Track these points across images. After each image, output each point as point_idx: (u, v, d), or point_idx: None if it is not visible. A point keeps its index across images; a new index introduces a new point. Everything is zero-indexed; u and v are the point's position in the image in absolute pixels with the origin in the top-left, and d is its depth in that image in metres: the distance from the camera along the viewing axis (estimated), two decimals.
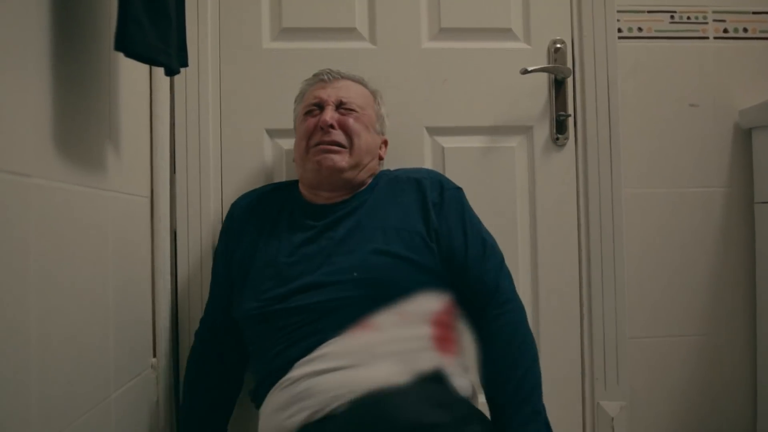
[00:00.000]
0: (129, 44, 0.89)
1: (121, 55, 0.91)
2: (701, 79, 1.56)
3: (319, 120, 1.22)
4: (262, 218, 1.27)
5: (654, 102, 1.55)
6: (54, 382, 0.83)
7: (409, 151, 1.46)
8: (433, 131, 1.49)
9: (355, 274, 1.12)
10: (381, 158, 1.32)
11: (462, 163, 1.48)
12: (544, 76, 1.51)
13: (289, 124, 1.39)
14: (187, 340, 1.36)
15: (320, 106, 1.24)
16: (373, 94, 1.32)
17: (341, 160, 1.20)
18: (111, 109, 1.07)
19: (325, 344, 1.08)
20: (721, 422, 1.54)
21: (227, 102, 1.45)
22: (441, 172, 1.47)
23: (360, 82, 1.31)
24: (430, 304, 1.14)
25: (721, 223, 1.55)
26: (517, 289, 1.29)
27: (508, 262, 1.31)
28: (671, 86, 1.56)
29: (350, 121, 1.22)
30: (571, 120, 1.51)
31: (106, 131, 1.05)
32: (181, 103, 1.42)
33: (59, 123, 0.86)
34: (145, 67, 1.26)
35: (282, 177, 1.45)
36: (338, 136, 1.21)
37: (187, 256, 1.41)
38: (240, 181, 1.44)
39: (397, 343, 1.07)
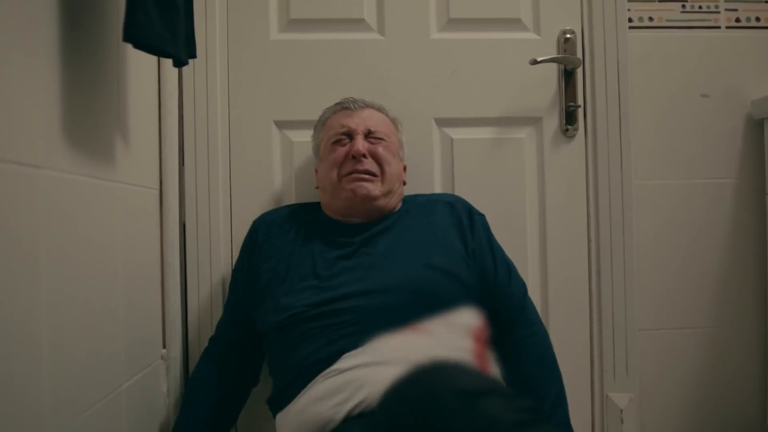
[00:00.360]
0: (137, 35, 0.88)
1: (129, 46, 0.90)
2: (713, 69, 1.54)
3: (350, 149, 1.23)
4: (291, 235, 1.26)
5: (665, 92, 1.53)
6: (65, 372, 0.83)
7: (417, 142, 1.45)
8: (442, 122, 1.48)
9: (399, 285, 1.14)
10: (404, 183, 1.33)
11: (471, 154, 1.48)
12: (554, 66, 1.50)
13: (297, 115, 1.39)
14: (197, 331, 1.36)
15: (349, 135, 1.26)
16: (394, 121, 1.34)
17: (374, 188, 1.22)
18: (119, 101, 1.07)
19: (375, 340, 1.07)
20: (731, 414, 1.53)
21: (235, 93, 1.45)
22: (450, 163, 1.48)
23: (381, 110, 1.33)
24: (470, 318, 1.14)
25: (731, 214, 1.54)
26: (526, 281, 1.31)
27: (517, 255, 1.32)
28: (682, 76, 1.54)
29: (380, 149, 1.25)
30: (580, 111, 1.50)
31: (115, 123, 1.05)
32: (189, 95, 1.42)
33: (68, 114, 0.86)
34: (154, 58, 1.26)
35: (290, 168, 1.45)
36: (370, 165, 1.23)
37: (196, 248, 1.42)
38: (248, 172, 1.44)
39: (447, 349, 1.04)
